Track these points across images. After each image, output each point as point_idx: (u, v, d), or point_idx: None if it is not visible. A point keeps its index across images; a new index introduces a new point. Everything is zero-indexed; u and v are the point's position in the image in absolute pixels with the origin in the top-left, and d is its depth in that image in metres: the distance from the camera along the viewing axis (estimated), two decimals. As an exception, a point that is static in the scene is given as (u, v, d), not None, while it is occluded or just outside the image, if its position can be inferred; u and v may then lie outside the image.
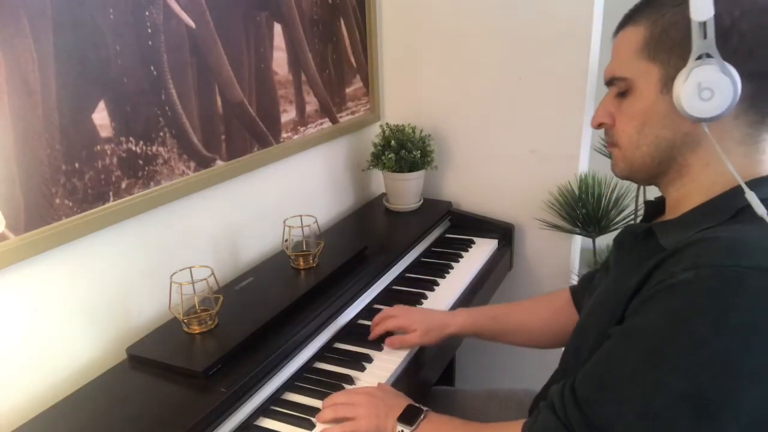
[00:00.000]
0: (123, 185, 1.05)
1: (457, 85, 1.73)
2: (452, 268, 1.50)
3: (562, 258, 1.74)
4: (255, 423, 0.97)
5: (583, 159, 1.64)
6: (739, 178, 0.70)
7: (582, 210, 1.57)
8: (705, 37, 0.68)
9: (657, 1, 0.76)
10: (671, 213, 0.81)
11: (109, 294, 1.06)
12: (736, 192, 0.70)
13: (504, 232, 1.70)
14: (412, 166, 1.66)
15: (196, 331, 1.06)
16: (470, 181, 1.80)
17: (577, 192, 1.59)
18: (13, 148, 0.87)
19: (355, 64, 1.70)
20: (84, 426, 0.89)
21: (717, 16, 0.68)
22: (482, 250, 1.61)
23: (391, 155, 1.64)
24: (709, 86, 0.68)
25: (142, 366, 1.01)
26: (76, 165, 0.97)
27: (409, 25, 1.75)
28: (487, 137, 1.73)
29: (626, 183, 1.54)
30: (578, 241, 1.79)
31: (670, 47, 0.73)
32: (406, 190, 1.69)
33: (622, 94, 0.79)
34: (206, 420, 0.90)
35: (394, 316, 1.17)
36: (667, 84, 0.74)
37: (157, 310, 1.15)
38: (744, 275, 0.63)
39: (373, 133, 1.77)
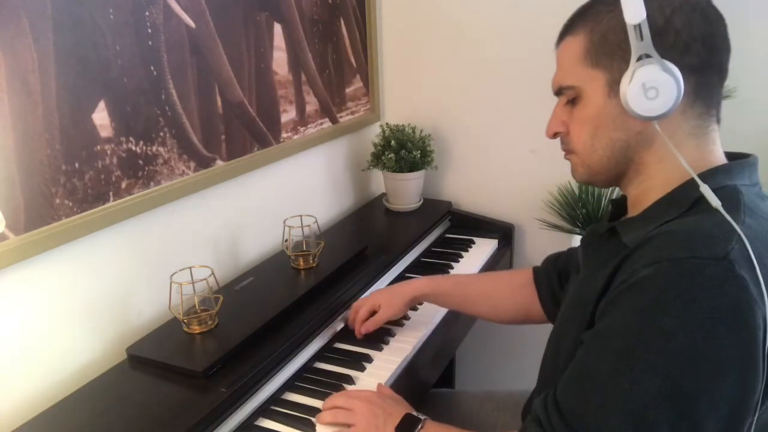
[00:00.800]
0: (123, 185, 1.05)
1: (457, 85, 1.73)
2: (452, 268, 1.51)
3: (562, 258, 1.74)
4: (255, 423, 0.97)
5: (583, 159, 1.64)
6: (692, 171, 0.72)
7: (582, 210, 1.57)
8: (641, 38, 0.71)
9: (591, 10, 0.78)
10: (633, 210, 0.83)
11: (109, 294, 1.06)
12: (692, 184, 0.72)
13: (504, 232, 1.70)
14: (412, 166, 1.66)
15: (196, 331, 1.06)
16: (470, 181, 1.80)
17: (577, 192, 1.59)
18: (13, 148, 0.87)
19: (355, 64, 1.70)
20: (84, 426, 0.89)
21: (650, 17, 0.71)
22: (482, 250, 1.61)
23: (391, 155, 1.64)
24: (653, 85, 0.71)
25: (142, 366, 1.01)
26: (76, 165, 0.97)
27: (409, 25, 1.75)
28: (487, 137, 1.73)
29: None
30: (578, 241, 1.79)
31: (611, 51, 0.75)
32: (406, 190, 1.69)
33: (572, 102, 0.81)
34: (206, 420, 0.90)
35: (360, 306, 1.20)
36: (613, 87, 0.76)
37: (157, 310, 1.15)
38: (701, 266, 0.64)
39: (373, 133, 1.77)
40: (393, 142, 1.65)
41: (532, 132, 1.66)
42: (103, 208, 1.01)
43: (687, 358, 0.64)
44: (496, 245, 1.65)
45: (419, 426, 0.88)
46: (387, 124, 1.72)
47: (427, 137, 1.70)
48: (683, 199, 0.74)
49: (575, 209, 1.58)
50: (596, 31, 0.77)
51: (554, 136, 0.86)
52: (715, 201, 0.70)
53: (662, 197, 0.77)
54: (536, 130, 1.65)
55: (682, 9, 0.73)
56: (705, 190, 0.71)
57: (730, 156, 0.80)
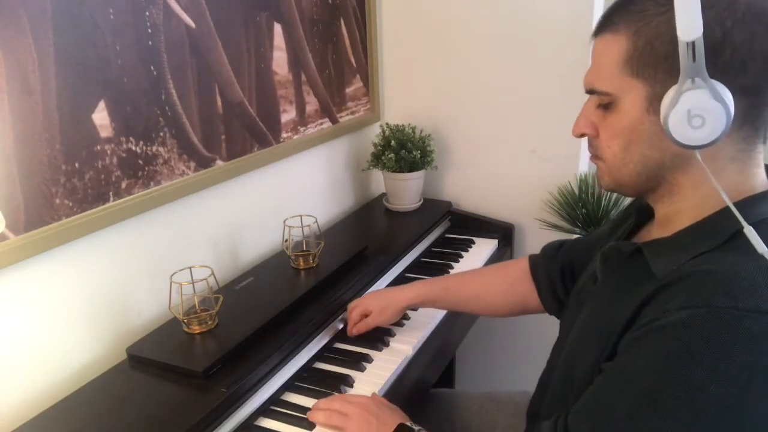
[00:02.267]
0: (123, 185, 1.05)
1: (458, 85, 1.73)
2: (452, 268, 1.50)
3: (562, 258, 1.74)
4: (255, 423, 0.97)
5: (583, 159, 1.64)
6: (735, 209, 0.64)
7: (582, 210, 1.57)
8: (694, 59, 0.62)
9: (638, 5, 0.69)
10: (661, 228, 0.77)
11: (109, 294, 1.06)
12: (729, 213, 0.65)
13: (504, 232, 1.70)
14: (412, 166, 1.66)
15: (196, 331, 1.06)
16: (470, 181, 1.80)
17: (577, 192, 1.59)
18: (13, 148, 0.87)
19: (355, 64, 1.70)
20: (84, 426, 0.89)
21: (706, 28, 0.62)
22: (482, 250, 1.61)
23: (391, 155, 1.64)
24: (699, 113, 0.63)
25: (142, 366, 1.01)
26: (76, 165, 0.97)
27: (409, 25, 1.74)
28: (487, 137, 1.73)
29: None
30: (578, 241, 1.79)
31: (656, 62, 0.67)
32: (406, 190, 1.69)
33: (605, 107, 0.74)
34: (206, 420, 0.90)
35: (354, 307, 1.20)
36: (653, 103, 0.68)
37: (157, 310, 1.15)
38: (741, 318, 0.59)
39: (373, 133, 1.77)
40: (393, 142, 1.65)
41: (532, 132, 1.67)
42: (103, 208, 1.01)
43: (715, 413, 0.60)
44: (496, 245, 1.65)
45: None
46: (387, 124, 1.72)
47: (427, 137, 1.70)
48: (721, 230, 0.68)
49: (575, 209, 1.58)
50: (642, 35, 0.68)
51: (581, 136, 0.79)
52: (761, 247, 0.62)
53: (696, 222, 0.71)
54: (536, 130, 1.67)
55: (744, 20, 0.64)
56: (750, 233, 0.63)
57: None
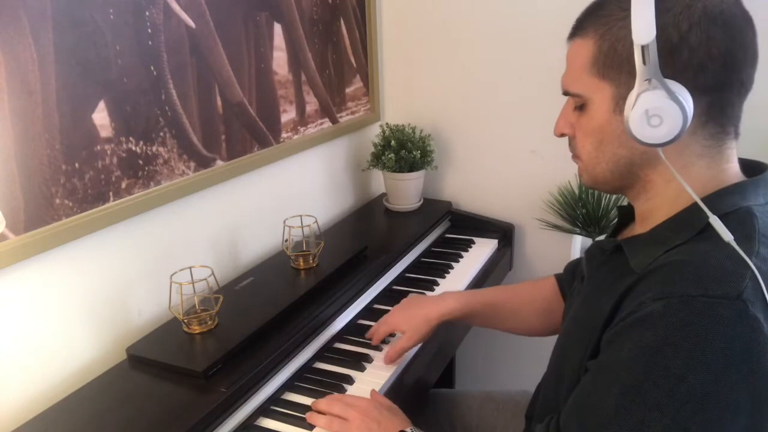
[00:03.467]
0: (123, 185, 1.05)
1: (457, 85, 1.73)
2: (452, 268, 1.50)
3: (562, 258, 1.73)
4: (255, 423, 0.97)
5: (583, 159, 1.64)
6: (698, 200, 0.68)
7: (582, 210, 1.57)
8: (645, 62, 0.66)
9: (604, 11, 0.72)
10: (640, 225, 0.79)
11: (109, 294, 1.06)
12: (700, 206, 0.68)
13: (504, 232, 1.70)
14: (412, 166, 1.66)
15: (196, 331, 1.06)
16: (470, 181, 1.80)
17: (577, 192, 1.59)
18: (13, 148, 0.87)
19: (355, 64, 1.70)
20: (84, 426, 0.89)
21: (663, 31, 0.65)
22: (482, 250, 1.61)
23: (391, 155, 1.64)
24: (657, 113, 0.66)
25: (142, 366, 1.01)
26: (76, 165, 0.97)
27: (409, 25, 1.75)
28: (487, 137, 1.73)
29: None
30: (578, 241, 1.79)
31: (619, 64, 0.70)
32: (406, 190, 1.69)
33: (580, 108, 0.77)
34: (206, 420, 0.90)
35: (383, 323, 1.15)
36: (619, 103, 0.71)
37: (157, 310, 1.15)
38: (713, 305, 0.61)
39: (373, 133, 1.76)
40: (393, 142, 1.65)
41: (532, 132, 1.67)
42: (103, 208, 1.01)
43: (696, 400, 0.61)
44: (496, 245, 1.65)
45: None
46: (387, 124, 1.72)
47: (427, 137, 1.70)
48: (693, 223, 0.70)
49: (575, 209, 1.58)
50: (606, 39, 0.71)
51: (561, 136, 0.83)
52: (727, 235, 0.65)
53: (670, 217, 0.74)
54: (536, 130, 1.67)
55: (701, 24, 0.66)
56: (715, 222, 0.66)
57: (745, 165, 0.76)
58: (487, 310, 1.12)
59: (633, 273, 0.71)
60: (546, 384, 0.89)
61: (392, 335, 1.16)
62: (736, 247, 0.64)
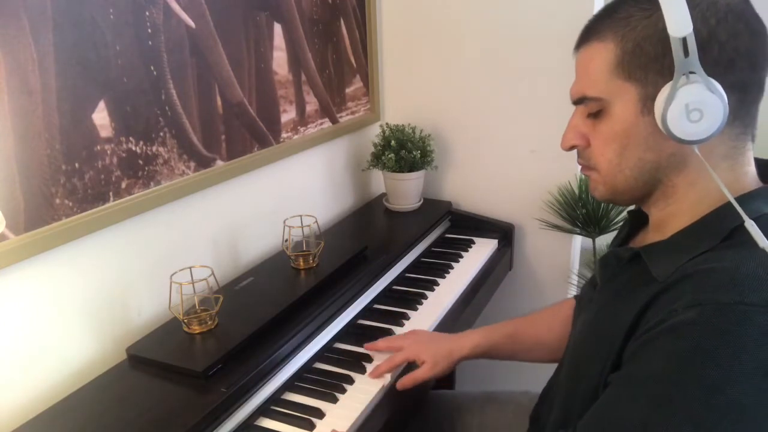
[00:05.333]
0: (123, 185, 1.05)
1: (457, 85, 1.73)
2: (452, 268, 1.50)
3: (562, 258, 1.74)
4: (255, 423, 0.97)
5: (583, 159, 1.64)
6: (737, 204, 0.65)
7: (582, 210, 1.57)
8: (687, 54, 0.64)
9: (622, 12, 0.70)
10: (656, 233, 0.77)
11: (109, 294, 1.06)
12: (726, 211, 0.67)
13: (504, 232, 1.70)
14: (412, 166, 1.66)
15: (196, 331, 1.06)
16: (470, 181, 1.80)
17: (577, 192, 1.59)
18: (13, 148, 0.87)
19: (355, 64, 1.70)
20: (84, 426, 0.89)
21: (694, 28, 0.64)
22: (482, 250, 1.61)
23: (391, 155, 1.64)
24: (697, 107, 0.64)
25: (142, 366, 1.01)
26: (76, 165, 0.97)
27: (409, 25, 1.75)
28: (487, 137, 1.73)
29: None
30: (578, 241, 1.79)
31: (646, 63, 0.68)
32: (406, 190, 1.69)
33: (595, 115, 0.74)
34: (206, 420, 0.90)
35: (401, 348, 1.10)
36: (647, 104, 0.69)
37: (157, 310, 1.15)
38: (751, 313, 0.59)
39: (373, 133, 1.76)
40: (393, 142, 1.65)
41: (532, 132, 1.67)
42: (103, 208, 1.01)
43: (733, 413, 0.58)
44: (496, 245, 1.65)
45: None
46: (387, 124, 1.72)
47: (427, 137, 1.70)
48: (718, 228, 0.68)
49: (575, 209, 1.59)
50: (629, 39, 0.69)
51: (571, 149, 0.79)
52: (762, 241, 0.62)
53: (693, 223, 0.71)
54: (536, 130, 1.67)
55: (727, 19, 0.65)
56: (751, 227, 0.63)
57: (762, 164, 0.74)
58: (509, 342, 1.10)
59: (655, 282, 0.68)
60: (557, 393, 0.86)
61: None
62: None
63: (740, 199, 0.67)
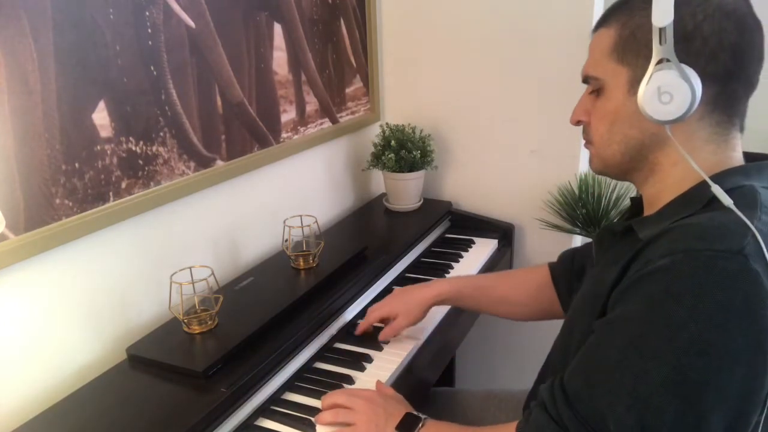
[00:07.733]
0: (123, 185, 1.05)
1: (457, 85, 1.73)
2: (452, 268, 1.51)
3: (562, 258, 1.74)
4: (255, 423, 0.97)
5: (583, 159, 1.64)
6: (701, 172, 0.73)
7: (582, 210, 1.57)
8: (663, 42, 0.71)
9: (629, 4, 0.78)
10: (648, 210, 0.83)
11: (108, 294, 1.06)
12: (705, 185, 0.73)
13: (504, 232, 1.70)
14: (412, 166, 1.66)
15: (196, 331, 1.06)
16: (470, 181, 1.80)
17: (577, 192, 1.59)
18: (13, 148, 0.87)
19: (355, 64, 1.70)
20: (84, 426, 0.89)
21: (680, 20, 0.71)
22: (482, 250, 1.61)
23: (391, 155, 1.64)
24: (668, 90, 0.71)
25: (142, 366, 1.01)
26: (76, 165, 0.97)
27: (409, 25, 1.75)
28: (487, 137, 1.73)
29: (626, 183, 1.54)
30: (578, 241, 1.79)
31: (637, 50, 0.76)
32: (406, 190, 1.69)
33: (596, 93, 0.82)
34: (206, 420, 0.90)
35: (374, 309, 1.18)
36: (634, 86, 0.76)
37: (157, 310, 1.15)
38: (716, 258, 0.65)
39: (373, 133, 1.76)
40: (393, 142, 1.65)
41: (532, 132, 1.67)
42: (103, 208, 1.01)
43: (696, 349, 0.64)
44: (496, 245, 1.65)
45: (419, 425, 0.88)
46: (387, 124, 1.72)
47: (427, 137, 1.70)
48: (697, 198, 0.74)
49: (575, 209, 1.58)
50: (627, 27, 0.77)
51: (577, 123, 0.87)
52: (726, 200, 0.70)
53: (677, 197, 0.78)
54: (536, 130, 1.67)
55: (715, 16, 0.72)
56: (716, 189, 0.71)
57: (751, 157, 0.80)
58: (477, 293, 1.17)
59: (641, 242, 0.74)
60: (551, 359, 0.92)
61: (383, 322, 1.18)
62: (735, 209, 0.69)
63: (719, 175, 0.74)
